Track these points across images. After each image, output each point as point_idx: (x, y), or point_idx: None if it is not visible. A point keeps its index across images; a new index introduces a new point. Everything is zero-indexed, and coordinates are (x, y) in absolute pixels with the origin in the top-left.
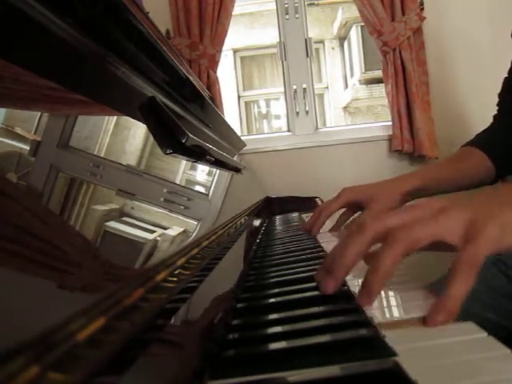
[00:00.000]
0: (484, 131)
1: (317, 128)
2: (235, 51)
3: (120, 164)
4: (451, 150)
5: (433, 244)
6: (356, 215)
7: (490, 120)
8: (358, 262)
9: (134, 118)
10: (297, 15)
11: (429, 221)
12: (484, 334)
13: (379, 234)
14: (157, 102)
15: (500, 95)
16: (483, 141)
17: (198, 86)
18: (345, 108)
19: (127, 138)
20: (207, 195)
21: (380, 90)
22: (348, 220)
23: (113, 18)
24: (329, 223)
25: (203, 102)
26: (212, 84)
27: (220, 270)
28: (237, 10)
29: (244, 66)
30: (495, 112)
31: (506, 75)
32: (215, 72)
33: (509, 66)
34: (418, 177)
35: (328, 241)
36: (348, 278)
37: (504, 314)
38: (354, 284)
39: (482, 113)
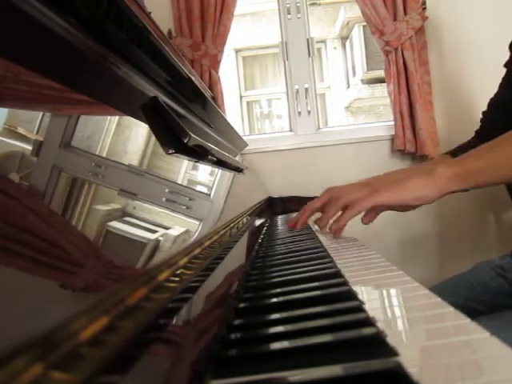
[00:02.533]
0: (461, 144)
1: (319, 128)
2: (237, 51)
3: (122, 164)
4: None
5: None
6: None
7: None
8: (311, 215)
9: (136, 117)
10: (299, 15)
11: (353, 193)
12: (486, 334)
13: (326, 200)
14: (159, 101)
15: (484, 113)
16: (459, 152)
17: (199, 86)
18: (347, 108)
19: (129, 137)
20: (209, 195)
21: (382, 90)
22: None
23: (115, 18)
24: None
25: (205, 102)
26: (214, 84)
27: (222, 269)
28: (239, 9)
29: (246, 66)
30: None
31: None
32: (217, 72)
33: None
34: None
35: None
36: (348, 275)
37: (502, 311)
38: (356, 284)
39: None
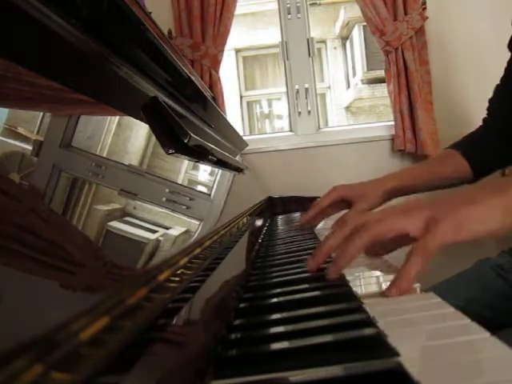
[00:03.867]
0: (470, 134)
1: (319, 128)
2: (237, 51)
3: (122, 164)
4: None
5: (400, 237)
6: (343, 212)
7: None
8: (335, 250)
9: (136, 117)
10: (299, 15)
11: (395, 217)
12: (487, 334)
13: (355, 229)
14: (159, 101)
15: (490, 101)
16: (465, 144)
17: (200, 86)
18: (347, 108)
19: (129, 137)
20: (209, 195)
21: (382, 90)
22: (333, 213)
23: (115, 18)
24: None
25: (205, 102)
26: (214, 84)
27: (222, 269)
28: (239, 9)
29: (246, 66)
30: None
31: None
32: (217, 72)
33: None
34: (398, 176)
35: None
36: (351, 278)
37: (503, 313)
38: (357, 284)
39: (485, 112)
